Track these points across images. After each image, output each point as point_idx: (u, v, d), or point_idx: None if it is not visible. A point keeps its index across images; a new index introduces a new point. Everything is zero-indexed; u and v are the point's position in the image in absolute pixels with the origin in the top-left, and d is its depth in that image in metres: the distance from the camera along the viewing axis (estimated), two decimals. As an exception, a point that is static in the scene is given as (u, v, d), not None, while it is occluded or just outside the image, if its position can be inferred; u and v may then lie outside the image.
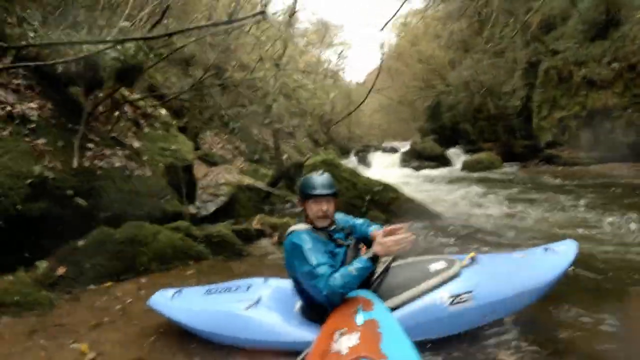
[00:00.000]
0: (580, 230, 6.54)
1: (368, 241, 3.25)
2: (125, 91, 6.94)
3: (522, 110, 19.12)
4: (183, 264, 5.66)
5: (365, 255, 2.72)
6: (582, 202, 8.69)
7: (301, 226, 3.02)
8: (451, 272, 3.18)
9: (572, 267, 3.56)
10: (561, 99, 15.76)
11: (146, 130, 7.26)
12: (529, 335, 3.23)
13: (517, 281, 3.20)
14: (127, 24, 5.79)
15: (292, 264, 2.88)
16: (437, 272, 3.18)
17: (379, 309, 2.63)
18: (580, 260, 3.60)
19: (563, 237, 3.84)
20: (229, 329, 3.23)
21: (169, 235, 5.81)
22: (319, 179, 3.07)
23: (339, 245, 3.06)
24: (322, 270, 2.69)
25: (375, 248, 2.69)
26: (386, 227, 3.05)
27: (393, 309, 2.95)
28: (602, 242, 5.71)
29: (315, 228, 3.03)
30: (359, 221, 3.42)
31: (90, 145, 5.90)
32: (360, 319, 2.49)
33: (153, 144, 7.29)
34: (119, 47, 4.98)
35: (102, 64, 5.24)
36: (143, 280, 5.07)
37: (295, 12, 16.77)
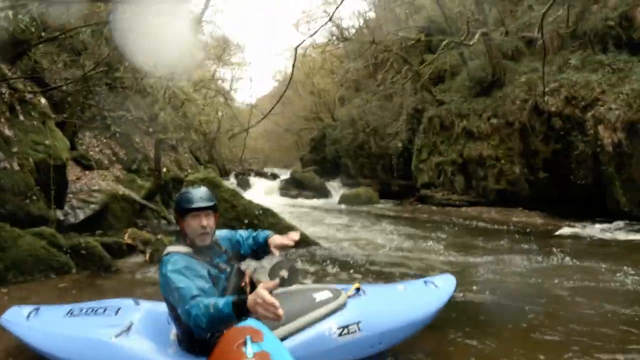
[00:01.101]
0: (452, 265, 6.93)
1: (260, 250, 3.11)
2: (5, 69, 6.13)
3: (403, 151, 20.28)
4: (44, 276, 5.12)
5: (235, 298, 2.30)
6: (453, 239, 9.30)
7: (179, 248, 2.73)
8: (338, 302, 3.16)
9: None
10: (441, 145, 16.98)
11: (20, 118, 6.43)
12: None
13: (403, 313, 3.34)
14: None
15: (165, 287, 2.58)
16: (324, 302, 3.14)
17: (270, 340, 2.33)
18: (455, 293, 3.90)
19: (439, 271, 4.06)
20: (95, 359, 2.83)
21: (31, 241, 5.23)
22: (197, 192, 2.81)
23: (221, 271, 2.81)
24: (188, 292, 2.41)
25: (250, 297, 2.25)
26: (282, 238, 3.04)
27: (281, 339, 2.77)
28: (473, 277, 6.06)
29: (196, 250, 2.75)
30: (244, 234, 3.19)
31: (-45, 124, 5.10)
32: (249, 351, 2.18)
33: (26, 135, 6.48)
34: (9, 13, 4.34)
35: (-14, 32, 4.56)
36: (-4, 291, 4.40)
37: (202, 21, 16.40)
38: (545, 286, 5.62)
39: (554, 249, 7.56)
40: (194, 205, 2.74)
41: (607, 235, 9.69)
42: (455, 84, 17.87)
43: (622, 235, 9.58)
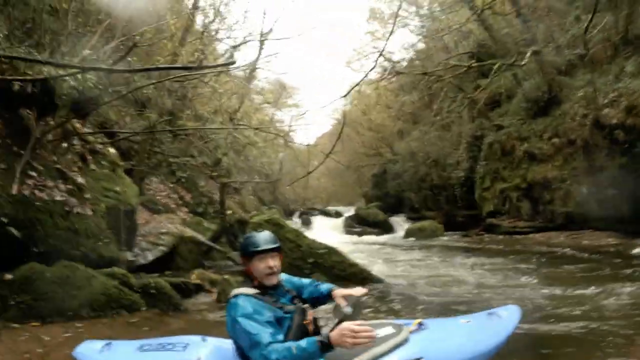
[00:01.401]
0: (519, 295, 6.64)
1: (320, 301, 3.12)
2: (76, 123, 6.66)
3: (465, 181, 19.85)
4: (115, 314, 5.30)
5: (318, 337, 2.44)
6: (521, 269, 8.93)
7: (247, 290, 2.80)
8: (400, 338, 3.08)
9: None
10: (503, 171, 16.53)
11: (92, 167, 6.92)
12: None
13: (465, 346, 3.20)
14: (90, 53, 5.62)
15: (233, 328, 2.67)
16: (386, 338, 3.07)
17: None
18: (521, 324, 3.67)
19: (504, 302, 3.90)
20: None
21: (104, 281, 5.46)
22: (261, 235, 2.90)
23: (286, 312, 2.89)
24: (263, 339, 2.50)
25: (333, 334, 2.40)
26: (347, 290, 3.02)
27: None
28: (541, 308, 5.80)
29: (263, 291, 2.82)
30: (306, 281, 3.24)
31: (33, 173, 5.53)
32: None
33: (97, 182, 6.94)
34: (79, 76, 4.79)
35: (58, 90, 5.00)
36: (71, 326, 4.66)
37: (256, 68, 17.08)
38: (619, 316, 5.23)
39: (629, 272, 7.13)
40: (260, 248, 2.83)
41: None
42: (512, 106, 17.44)
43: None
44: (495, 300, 6.32)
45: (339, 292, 3.03)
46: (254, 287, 2.82)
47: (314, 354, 2.39)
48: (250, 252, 2.84)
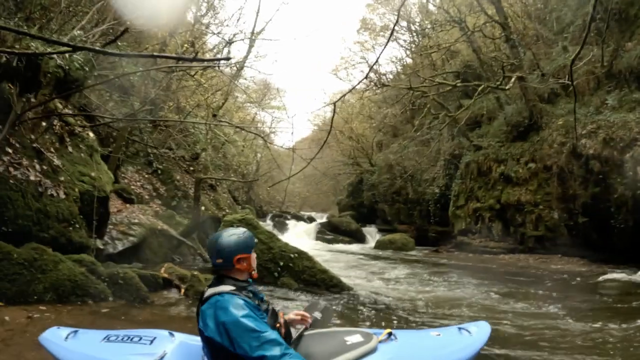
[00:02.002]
0: (488, 312, 6.75)
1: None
2: (58, 102, 6.49)
3: (440, 197, 20.13)
4: (81, 301, 5.20)
5: None
6: (489, 287, 9.06)
7: (230, 289, 2.71)
8: (368, 346, 3.10)
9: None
10: (478, 191, 16.78)
11: (70, 149, 6.75)
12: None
13: (434, 359, 3.26)
14: (80, 33, 5.48)
15: (232, 327, 2.59)
16: (355, 346, 3.09)
17: None
18: (490, 341, 3.79)
19: (474, 319, 3.96)
20: None
21: (71, 267, 5.36)
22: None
23: (261, 311, 2.84)
24: (277, 339, 2.50)
25: None
26: (296, 312, 3.14)
27: None
28: (509, 326, 5.88)
29: (240, 287, 2.75)
30: None
31: (9, 149, 5.38)
32: None
33: (73, 166, 6.77)
34: (66, 55, 4.67)
35: (44, 68, 4.87)
36: (35, 309, 4.55)
37: (244, 66, 16.99)
38: (585, 337, 5.38)
39: (594, 298, 7.29)
40: (255, 241, 2.91)
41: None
42: (492, 128, 17.81)
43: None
44: (463, 316, 6.46)
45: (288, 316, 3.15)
46: (235, 285, 2.74)
47: None
48: (252, 246, 2.87)
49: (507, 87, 12.17)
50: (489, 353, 4.35)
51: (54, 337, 3.26)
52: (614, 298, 7.68)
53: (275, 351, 2.43)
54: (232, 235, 2.81)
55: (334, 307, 6.51)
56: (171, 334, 3.28)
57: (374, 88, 21.58)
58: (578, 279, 10.04)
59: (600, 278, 9.79)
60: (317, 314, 3.35)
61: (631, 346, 4.97)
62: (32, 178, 5.52)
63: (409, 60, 28.82)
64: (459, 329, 3.66)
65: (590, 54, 10.32)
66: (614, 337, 5.28)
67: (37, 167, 5.74)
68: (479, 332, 3.62)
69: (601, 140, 11.79)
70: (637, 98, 12.02)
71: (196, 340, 3.00)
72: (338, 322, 5.72)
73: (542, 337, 5.36)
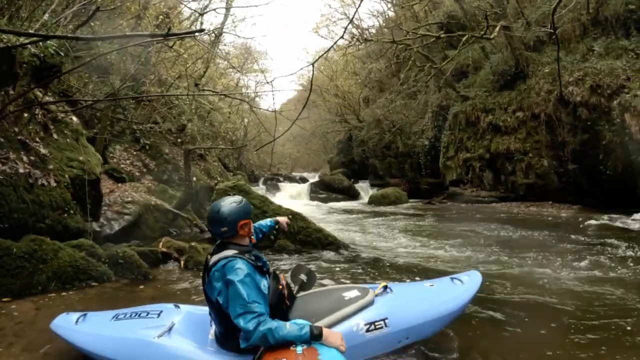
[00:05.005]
0: (480, 262, 6.96)
1: (268, 233, 3.67)
2: (37, 91, 6.40)
3: (430, 149, 20.29)
4: (85, 285, 5.28)
5: (314, 328, 2.62)
6: (482, 236, 9.32)
7: (234, 252, 2.83)
8: (366, 300, 3.30)
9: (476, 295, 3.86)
10: (468, 141, 16.95)
11: (55, 136, 6.70)
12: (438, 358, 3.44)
13: (429, 309, 3.47)
14: (51, 17, 5.36)
15: (227, 289, 2.70)
16: (352, 300, 3.28)
17: None
18: (482, 289, 4.00)
19: (467, 268, 4.12)
20: (140, 358, 3.00)
21: (71, 253, 5.42)
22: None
23: (264, 273, 2.95)
24: (257, 308, 2.59)
25: (329, 332, 2.68)
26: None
27: None
28: (501, 274, 6.07)
29: (244, 250, 2.88)
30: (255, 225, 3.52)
31: (-5, 146, 5.36)
32: (299, 347, 2.53)
33: (60, 152, 6.74)
34: (40, 43, 4.59)
35: (18, 59, 4.79)
36: (42, 300, 4.64)
37: (222, 33, 16.66)
38: (576, 281, 5.58)
39: (585, 242, 7.46)
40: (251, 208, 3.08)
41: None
42: (478, 78, 17.76)
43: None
44: (456, 266, 6.63)
45: (282, 220, 3.83)
46: (239, 250, 2.87)
47: (305, 340, 2.57)
48: (251, 212, 3.04)
49: (491, 37, 12.08)
50: (481, 301, 4.51)
51: (65, 322, 3.42)
52: (602, 242, 7.86)
53: (250, 324, 2.54)
54: (232, 203, 2.94)
55: (330, 266, 6.68)
56: (176, 306, 3.46)
57: (357, 44, 21.30)
58: (568, 225, 10.25)
59: (590, 222, 10.05)
60: (303, 277, 3.60)
61: (619, 289, 5.17)
62: (21, 170, 5.50)
63: (391, 14, 28.31)
64: (452, 279, 3.87)
65: (574, 1, 10.22)
66: (595, 283, 5.47)
67: (25, 158, 5.71)
68: (471, 281, 3.83)
69: (588, 88, 11.85)
70: (624, 45, 12.03)
71: (201, 310, 3.24)
72: (335, 278, 5.86)
73: (533, 283, 5.53)
